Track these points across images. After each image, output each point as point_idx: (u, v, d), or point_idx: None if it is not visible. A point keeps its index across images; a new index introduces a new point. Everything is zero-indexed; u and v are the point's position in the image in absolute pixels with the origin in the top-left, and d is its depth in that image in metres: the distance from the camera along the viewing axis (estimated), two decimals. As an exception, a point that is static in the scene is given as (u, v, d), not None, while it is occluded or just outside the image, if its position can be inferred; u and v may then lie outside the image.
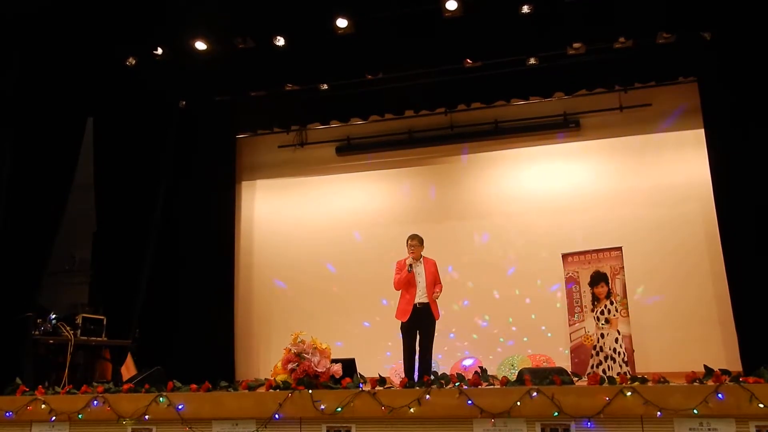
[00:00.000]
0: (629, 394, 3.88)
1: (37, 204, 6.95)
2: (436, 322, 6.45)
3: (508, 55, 7.70)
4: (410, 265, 6.43)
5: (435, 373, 4.66)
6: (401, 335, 6.48)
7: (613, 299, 7.48)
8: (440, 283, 6.55)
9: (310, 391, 4.44)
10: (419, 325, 6.35)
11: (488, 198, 8.94)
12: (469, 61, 7.82)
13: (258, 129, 9.62)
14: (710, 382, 3.88)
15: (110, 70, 7.66)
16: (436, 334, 6.50)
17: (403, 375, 6.45)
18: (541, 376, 4.27)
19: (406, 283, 6.45)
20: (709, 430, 3.79)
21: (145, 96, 8.12)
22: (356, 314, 8.84)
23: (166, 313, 8.36)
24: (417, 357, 6.39)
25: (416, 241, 6.53)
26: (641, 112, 8.48)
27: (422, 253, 6.57)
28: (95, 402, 4.80)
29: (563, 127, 8.73)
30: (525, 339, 8.33)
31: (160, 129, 8.40)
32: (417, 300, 6.38)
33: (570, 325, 7.79)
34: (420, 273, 6.46)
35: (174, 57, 7.60)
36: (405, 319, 6.37)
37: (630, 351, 7.29)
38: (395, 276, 6.54)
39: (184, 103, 8.87)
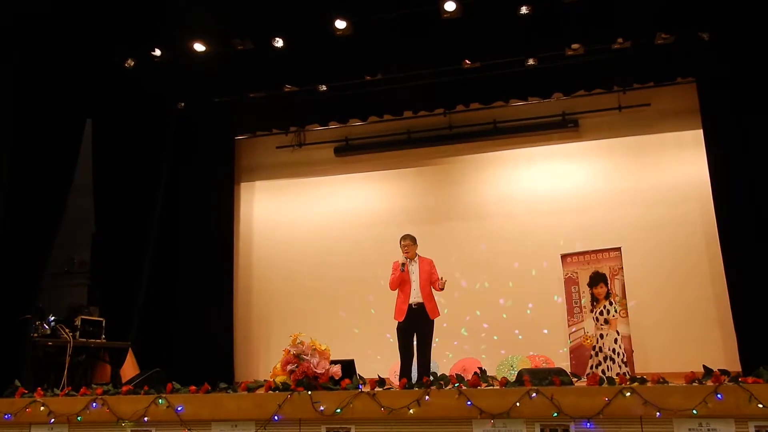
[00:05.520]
0: (628, 394, 3.88)
1: (36, 206, 6.95)
2: (434, 321, 6.40)
3: (506, 55, 7.70)
4: (403, 264, 6.42)
5: (434, 373, 4.65)
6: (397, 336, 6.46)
7: (612, 300, 7.49)
8: (440, 279, 6.48)
9: (310, 393, 4.44)
10: (415, 325, 6.32)
11: (487, 198, 8.94)
12: (467, 61, 7.82)
13: (257, 130, 9.63)
14: (709, 383, 3.88)
15: (109, 72, 7.67)
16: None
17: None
18: (540, 377, 4.27)
19: (400, 283, 6.43)
20: (708, 430, 3.79)
21: (144, 97, 8.13)
22: (356, 315, 8.83)
23: (166, 314, 8.36)
24: (414, 358, 6.37)
25: (409, 241, 6.51)
26: (640, 113, 8.48)
27: (417, 252, 6.55)
28: (94, 404, 4.80)
29: (562, 127, 8.73)
30: (524, 339, 8.32)
31: (158, 130, 8.41)
32: (412, 300, 6.34)
33: (569, 326, 7.80)
34: (414, 272, 6.42)
35: (172, 58, 7.60)
36: (401, 319, 6.36)
37: (629, 351, 7.30)
38: (390, 276, 6.54)
39: (182, 104, 8.87)
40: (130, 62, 7.66)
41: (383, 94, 8.45)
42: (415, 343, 6.36)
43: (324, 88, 8.44)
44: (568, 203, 8.56)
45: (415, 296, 6.34)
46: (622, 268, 7.54)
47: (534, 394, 4.03)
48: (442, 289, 6.37)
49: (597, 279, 7.63)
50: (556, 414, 3.95)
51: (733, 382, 3.86)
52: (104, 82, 7.73)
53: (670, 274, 8.00)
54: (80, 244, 9.55)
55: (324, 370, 4.63)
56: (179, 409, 4.63)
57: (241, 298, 9.33)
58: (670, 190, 8.23)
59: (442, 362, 7.84)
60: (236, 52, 7.47)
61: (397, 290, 6.48)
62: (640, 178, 8.39)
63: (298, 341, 4.80)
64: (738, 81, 7.16)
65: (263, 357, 9.05)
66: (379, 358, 8.02)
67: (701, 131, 7.69)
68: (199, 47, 7.43)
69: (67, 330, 6.55)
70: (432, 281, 6.42)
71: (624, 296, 7.48)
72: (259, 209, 9.78)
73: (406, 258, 6.45)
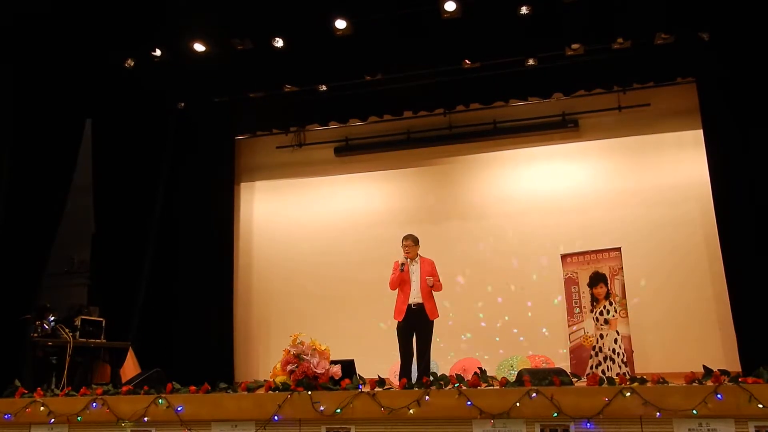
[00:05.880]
0: (628, 394, 3.88)
1: (36, 205, 6.96)
2: (434, 322, 6.40)
3: (506, 55, 7.71)
4: (402, 265, 6.43)
5: (434, 374, 4.65)
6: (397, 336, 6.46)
7: (612, 300, 7.48)
8: (438, 281, 6.47)
9: (310, 393, 4.44)
10: (414, 325, 6.33)
11: (487, 198, 8.94)
12: (467, 61, 7.83)
13: (257, 130, 9.62)
14: (709, 383, 3.89)
15: (109, 72, 7.68)
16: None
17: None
18: (540, 377, 4.27)
19: (399, 283, 6.44)
20: (708, 430, 3.79)
21: (144, 97, 8.13)
22: (355, 315, 8.82)
23: (166, 314, 8.36)
24: (414, 358, 6.37)
25: (410, 241, 6.51)
26: (640, 113, 8.48)
27: (419, 252, 6.55)
28: (94, 404, 4.80)
29: (562, 127, 8.72)
30: (524, 340, 8.32)
31: (158, 130, 8.42)
32: (411, 300, 6.34)
33: (569, 326, 7.80)
34: (415, 272, 6.42)
35: (172, 58, 7.61)
36: (400, 319, 6.37)
37: (629, 351, 7.30)
38: (391, 276, 6.54)
39: (182, 104, 8.88)
40: (130, 62, 7.66)
41: (383, 94, 8.45)
42: (415, 343, 6.36)
43: (324, 88, 8.43)
44: (568, 203, 8.56)
45: (415, 296, 6.34)
46: (622, 268, 7.54)
47: (534, 394, 4.03)
48: (431, 287, 6.35)
49: (597, 279, 7.63)
50: (556, 414, 3.95)
51: (733, 382, 3.86)
52: (104, 82, 7.73)
53: (670, 274, 8.00)
54: (80, 244, 9.53)
55: (324, 370, 4.63)
56: (179, 409, 4.63)
57: (241, 298, 9.33)
58: (670, 190, 8.23)
59: (442, 362, 7.84)
60: (236, 52, 7.47)
61: (397, 290, 6.49)
62: (640, 178, 8.39)
63: (298, 341, 4.80)
64: (738, 81, 7.15)
65: (263, 357, 9.04)
66: (379, 358, 8.01)
67: (701, 131, 7.69)
68: (199, 47, 7.43)
69: (66, 330, 6.54)
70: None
71: (624, 296, 7.48)
72: (259, 209, 9.78)
73: (407, 258, 6.46)
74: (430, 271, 6.43)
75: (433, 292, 6.42)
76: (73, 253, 10.19)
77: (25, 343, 6.32)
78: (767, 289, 6.71)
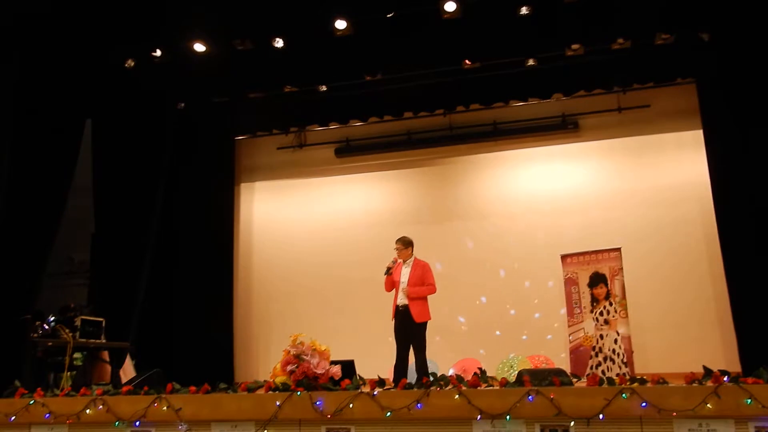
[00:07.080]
0: (628, 395, 3.88)
1: (35, 206, 6.96)
2: (425, 324, 6.34)
3: (506, 56, 7.70)
4: (388, 268, 6.48)
5: (434, 374, 4.65)
6: None
7: (612, 300, 7.49)
8: (430, 285, 6.39)
9: (310, 393, 4.44)
10: (404, 327, 6.34)
11: (487, 199, 8.94)
12: (467, 62, 7.82)
13: (257, 131, 9.62)
14: (709, 383, 3.88)
15: (109, 72, 7.68)
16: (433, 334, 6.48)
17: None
18: (540, 377, 4.27)
19: (390, 285, 6.49)
20: (708, 430, 3.79)
21: (144, 98, 8.13)
22: (355, 315, 8.82)
23: (165, 314, 8.35)
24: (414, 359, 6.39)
25: (399, 244, 6.55)
26: (640, 113, 8.48)
27: (415, 254, 6.55)
28: (94, 404, 4.80)
29: (562, 128, 8.72)
30: (524, 340, 8.32)
31: (158, 131, 8.41)
32: (398, 301, 6.40)
33: (569, 326, 7.80)
34: (404, 275, 6.44)
35: (172, 59, 7.61)
36: (392, 319, 6.40)
37: (629, 352, 7.30)
38: None
39: (182, 104, 8.88)
40: (130, 62, 7.66)
41: (383, 94, 8.45)
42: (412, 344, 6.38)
43: (324, 88, 8.43)
44: (568, 203, 8.56)
45: (401, 298, 6.39)
46: (622, 268, 7.54)
47: (534, 395, 4.02)
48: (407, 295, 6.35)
49: (597, 279, 7.63)
50: (556, 414, 3.95)
51: (733, 382, 3.85)
52: (104, 82, 7.73)
53: (670, 274, 8.00)
54: (80, 244, 9.56)
55: (324, 371, 4.63)
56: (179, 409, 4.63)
57: (241, 298, 9.33)
58: (670, 190, 8.22)
59: (442, 362, 7.83)
60: (236, 52, 7.46)
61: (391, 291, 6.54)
62: (640, 179, 8.39)
63: (298, 341, 4.80)
64: (738, 81, 7.15)
65: (263, 357, 9.04)
66: (379, 358, 8.01)
67: (701, 131, 7.68)
68: (199, 47, 7.43)
69: (67, 330, 6.54)
70: (422, 284, 6.41)
71: (624, 297, 7.48)
72: (259, 210, 9.78)
73: (394, 261, 6.50)
74: (420, 274, 6.42)
75: (428, 295, 6.42)
76: (73, 253, 10.21)
77: (25, 343, 6.31)
78: (767, 289, 6.71)
